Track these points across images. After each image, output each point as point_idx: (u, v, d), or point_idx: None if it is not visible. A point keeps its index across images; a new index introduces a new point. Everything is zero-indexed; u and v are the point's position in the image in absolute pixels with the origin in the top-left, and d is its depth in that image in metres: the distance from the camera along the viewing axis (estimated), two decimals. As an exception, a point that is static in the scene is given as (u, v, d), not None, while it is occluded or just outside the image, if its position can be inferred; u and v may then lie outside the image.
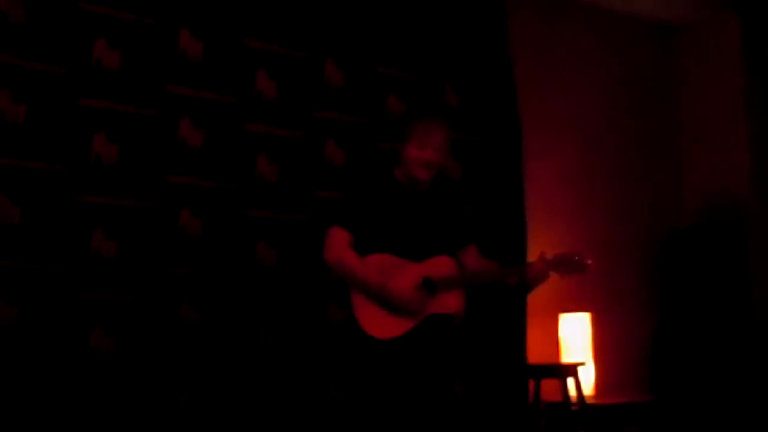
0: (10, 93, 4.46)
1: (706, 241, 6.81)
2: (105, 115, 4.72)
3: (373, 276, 3.91)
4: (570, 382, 5.82)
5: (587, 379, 6.11)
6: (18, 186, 4.45)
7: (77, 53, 4.67)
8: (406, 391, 3.96)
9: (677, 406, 6.40)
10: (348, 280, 3.98)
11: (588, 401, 5.92)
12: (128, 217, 4.74)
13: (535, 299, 6.05)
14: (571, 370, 5.86)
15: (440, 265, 4.05)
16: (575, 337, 6.17)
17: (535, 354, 6.08)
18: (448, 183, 4.62)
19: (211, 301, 4.93)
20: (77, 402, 4.49)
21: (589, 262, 4.08)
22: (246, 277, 5.05)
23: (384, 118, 5.63)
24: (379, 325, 3.93)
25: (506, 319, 5.95)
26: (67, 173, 4.59)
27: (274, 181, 5.21)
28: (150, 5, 4.90)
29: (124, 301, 4.69)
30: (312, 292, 5.19)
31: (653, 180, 7.17)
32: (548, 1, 6.64)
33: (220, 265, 4.99)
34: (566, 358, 6.13)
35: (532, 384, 5.90)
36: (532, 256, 5.38)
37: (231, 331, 4.96)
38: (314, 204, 5.28)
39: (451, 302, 4.05)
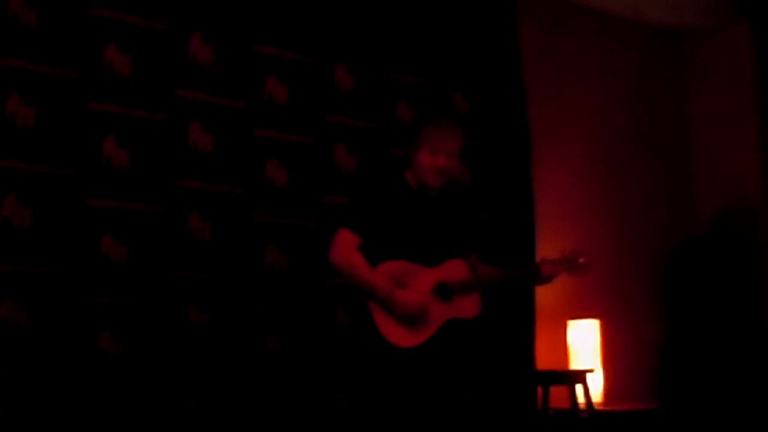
0: (21, 97, 4.47)
1: (717, 250, 6.79)
2: (115, 119, 4.73)
3: (381, 282, 3.85)
4: (578, 389, 5.81)
5: (596, 386, 6.10)
6: (28, 190, 4.46)
7: (88, 58, 4.68)
8: (432, 398, 3.91)
9: (686, 414, 6.38)
10: (354, 284, 3.93)
11: (596, 408, 5.90)
12: (138, 222, 4.75)
13: (544, 306, 6.05)
14: (580, 376, 5.85)
15: (454, 270, 4.02)
16: (584, 343, 6.16)
17: (543, 361, 6.07)
18: (458, 188, 4.60)
19: (220, 305, 4.93)
20: (86, 405, 4.50)
21: (582, 260, 4.12)
22: (255, 282, 5.05)
23: (394, 123, 5.63)
24: (400, 332, 3.86)
25: (515, 326, 5.94)
26: (78, 177, 4.60)
27: (284, 186, 5.22)
28: (161, 10, 4.92)
29: (133, 305, 4.69)
30: (321, 298, 5.19)
31: (663, 188, 7.16)
32: (558, 8, 6.64)
33: (229, 270, 4.99)
34: (575, 364, 6.12)
35: (540, 391, 5.89)
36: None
37: (240, 336, 4.97)
38: (323, 209, 5.28)
39: (468, 306, 4.02)
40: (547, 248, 5.94)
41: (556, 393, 5.90)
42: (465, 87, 6.00)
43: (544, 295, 5.91)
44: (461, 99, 5.98)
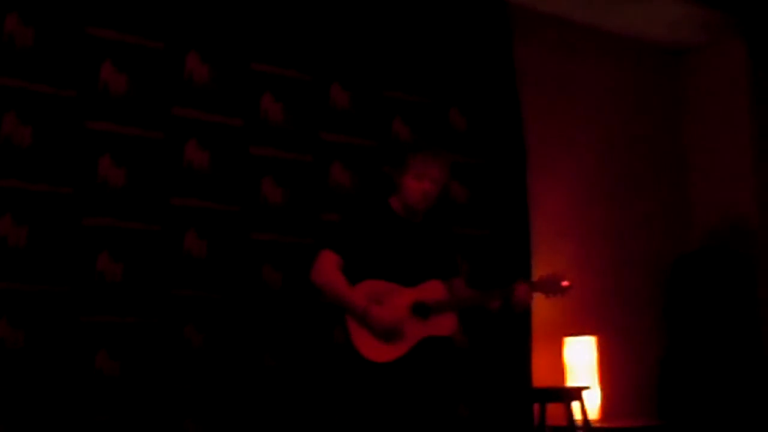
0: (17, 116, 4.48)
1: (714, 266, 6.80)
2: (111, 138, 4.73)
3: (357, 299, 4.02)
4: (575, 406, 5.80)
5: (592, 403, 6.09)
6: (24, 208, 4.46)
7: (84, 76, 4.69)
8: (405, 414, 4.02)
9: (683, 431, 6.38)
10: (334, 301, 4.11)
11: (593, 425, 5.89)
12: (134, 240, 4.75)
13: (541, 323, 6.05)
14: (576, 393, 5.84)
15: (432, 290, 4.17)
16: (581, 360, 6.15)
17: (540, 378, 6.06)
18: (443, 215, 4.69)
19: (217, 324, 4.93)
20: (82, 425, 4.48)
21: (565, 284, 4.20)
22: (251, 300, 5.05)
23: (390, 141, 5.64)
24: (376, 348, 4.01)
25: (511, 343, 5.93)
26: (74, 196, 4.60)
27: (280, 203, 5.22)
28: (157, 29, 4.93)
29: (129, 324, 4.69)
30: (317, 316, 5.19)
31: (660, 204, 7.16)
32: (554, 25, 6.65)
33: (226, 288, 4.99)
34: (571, 381, 6.11)
35: (537, 408, 5.88)
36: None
37: (236, 355, 4.96)
38: (320, 227, 5.28)
39: (445, 324, 4.16)
40: (543, 265, 5.95)
41: (553, 410, 5.88)
42: (461, 104, 6.01)
43: (541, 311, 5.91)
44: (458, 115, 5.99)
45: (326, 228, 5.11)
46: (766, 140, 6.77)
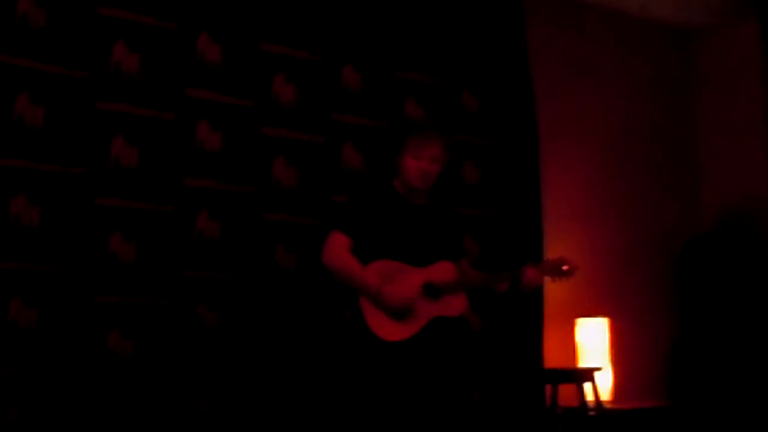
0: (30, 97, 4.47)
1: (726, 248, 6.78)
2: (124, 118, 4.73)
3: (370, 278, 4.04)
4: (587, 387, 5.81)
5: (604, 385, 6.10)
6: (37, 189, 4.46)
7: (96, 57, 4.68)
8: (415, 393, 4.06)
9: (695, 413, 6.37)
10: (346, 282, 4.13)
11: (605, 406, 5.90)
12: (146, 221, 4.76)
13: (553, 304, 6.05)
14: (588, 375, 5.85)
15: (442, 270, 4.20)
16: (592, 342, 6.15)
17: (552, 359, 6.07)
18: (446, 196, 4.72)
19: (229, 304, 4.94)
20: (95, 405, 4.50)
21: (565, 267, 4.25)
22: (263, 281, 5.06)
23: (402, 121, 5.63)
24: (388, 327, 4.05)
25: (523, 324, 5.94)
26: (86, 176, 4.60)
27: (292, 184, 5.22)
28: (169, 9, 4.92)
29: (142, 304, 4.70)
30: (330, 297, 5.19)
31: (672, 185, 7.15)
32: (566, 6, 6.63)
33: (238, 269, 5.00)
34: (583, 363, 6.11)
35: (549, 389, 5.89)
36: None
37: (248, 335, 4.97)
38: (331, 208, 5.28)
39: (455, 305, 4.21)
40: (555, 247, 5.96)
41: (565, 391, 5.89)
42: (473, 85, 6.00)
43: (553, 293, 5.91)
44: (470, 96, 5.98)
45: (334, 209, 5.11)
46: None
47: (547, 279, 4.33)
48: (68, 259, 4.52)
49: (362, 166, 5.46)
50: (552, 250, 5.84)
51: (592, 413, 5.79)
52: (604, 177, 6.71)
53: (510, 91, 6.14)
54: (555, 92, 6.43)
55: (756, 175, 6.84)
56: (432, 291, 4.13)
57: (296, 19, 5.34)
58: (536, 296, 5.93)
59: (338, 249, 4.12)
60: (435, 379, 4.12)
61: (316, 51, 5.39)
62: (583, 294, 6.21)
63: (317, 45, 5.39)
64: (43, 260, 4.45)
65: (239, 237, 5.03)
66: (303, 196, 5.25)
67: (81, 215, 4.58)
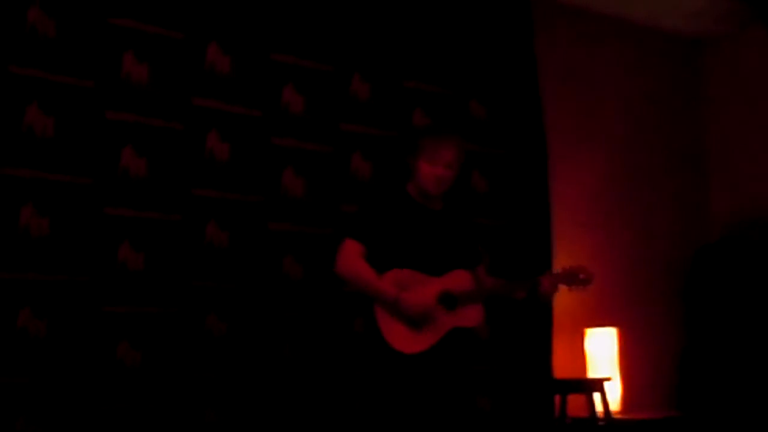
0: (39, 107, 4.49)
1: (735, 257, 6.77)
2: (133, 128, 4.74)
3: (387, 288, 3.96)
4: (596, 397, 5.79)
5: (613, 395, 6.08)
6: (47, 199, 4.47)
7: (106, 67, 4.70)
8: (433, 405, 4.00)
9: (704, 423, 6.35)
10: (362, 291, 4.05)
11: (614, 417, 5.88)
12: (155, 230, 4.76)
13: (562, 314, 6.04)
14: (598, 385, 5.83)
15: (458, 279, 4.13)
16: (602, 352, 6.14)
17: (561, 369, 6.05)
18: (462, 201, 4.65)
19: (238, 314, 4.94)
20: (104, 415, 4.50)
21: (582, 276, 4.23)
22: (272, 291, 5.05)
23: (410, 131, 5.63)
24: (404, 339, 3.96)
25: (532, 334, 5.93)
26: (95, 186, 4.61)
27: (301, 194, 5.22)
28: (178, 19, 4.93)
29: (150, 314, 4.70)
30: (338, 307, 5.19)
31: (681, 194, 7.13)
32: (575, 15, 6.62)
33: (247, 279, 5.00)
34: (592, 373, 6.10)
35: (558, 399, 5.88)
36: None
37: (257, 345, 4.97)
38: (340, 218, 5.28)
39: (472, 315, 4.13)
40: (564, 257, 5.94)
41: (574, 401, 5.88)
42: (481, 95, 6.00)
43: (562, 303, 5.89)
44: (478, 106, 5.97)
45: (347, 217, 5.11)
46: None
47: (561, 287, 4.29)
48: (77, 268, 4.53)
49: (370, 175, 5.46)
50: (561, 260, 5.82)
51: (601, 424, 5.77)
52: (613, 186, 6.70)
53: (518, 100, 6.14)
54: (563, 101, 6.43)
55: (764, 185, 6.83)
56: (449, 300, 4.06)
57: (305, 29, 5.34)
58: (546, 306, 5.93)
59: (352, 257, 4.04)
60: (453, 391, 4.08)
61: (325, 61, 5.39)
62: (592, 304, 6.19)
63: (326, 55, 5.40)
64: (52, 270, 4.46)
65: (248, 247, 5.02)
66: (311, 206, 5.25)
67: (90, 225, 4.58)
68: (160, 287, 4.75)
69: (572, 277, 4.22)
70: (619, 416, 5.99)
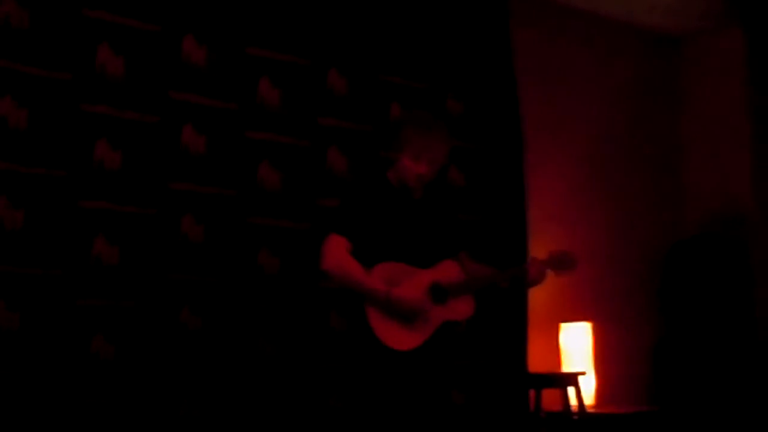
0: (13, 98, 4.45)
1: (709, 252, 6.81)
2: (108, 121, 4.71)
3: (377, 284, 3.84)
4: (571, 391, 5.81)
5: (588, 389, 6.10)
6: (20, 191, 4.44)
7: (81, 59, 4.67)
8: (429, 401, 3.93)
9: (678, 417, 6.39)
10: (350, 288, 3.90)
11: (589, 411, 5.91)
12: (130, 224, 4.74)
13: (537, 309, 6.05)
14: (572, 379, 5.85)
15: (448, 271, 4.02)
16: (576, 346, 6.16)
17: (535, 363, 6.07)
18: (443, 189, 4.55)
19: (213, 308, 4.93)
20: (78, 408, 4.48)
21: (568, 259, 4.14)
22: (248, 285, 5.05)
23: (387, 125, 5.63)
24: (396, 335, 3.84)
25: (507, 328, 5.94)
26: (70, 179, 4.58)
27: (277, 188, 5.21)
28: (154, 12, 4.91)
29: (125, 308, 4.68)
30: (314, 301, 5.19)
31: (656, 190, 7.17)
32: (552, 11, 6.64)
33: (222, 272, 4.99)
34: (567, 367, 6.12)
35: (532, 393, 5.89)
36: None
37: (232, 339, 4.96)
38: (316, 212, 5.28)
39: (463, 308, 4.03)
40: (539, 251, 5.90)
41: (549, 396, 5.90)
42: (457, 89, 6.00)
43: (537, 298, 5.92)
44: (454, 101, 5.98)
45: (329, 212, 5.07)
46: (762, 127, 6.76)
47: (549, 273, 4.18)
48: (51, 262, 4.50)
49: (347, 169, 5.46)
50: (536, 254, 5.82)
51: (575, 418, 5.79)
52: (588, 181, 6.72)
53: (494, 95, 6.15)
54: (540, 97, 6.44)
55: (739, 181, 6.87)
56: (439, 293, 3.95)
57: (282, 23, 5.33)
58: (520, 300, 5.95)
59: (338, 253, 3.87)
60: (442, 386, 4.00)
61: (302, 55, 5.38)
62: (567, 298, 6.22)
63: (303, 49, 5.39)
64: (26, 263, 4.43)
65: (223, 240, 5.01)
66: (287, 200, 5.24)
67: (64, 218, 4.56)
68: (135, 281, 4.73)
69: (559, 262, 4.12)
70: (593, 410, 6.02)
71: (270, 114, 5.24)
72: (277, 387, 5.05)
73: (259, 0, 5.26)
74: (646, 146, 7.15)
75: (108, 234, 4.67)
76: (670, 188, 7.27)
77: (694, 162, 7.28)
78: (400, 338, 3.84)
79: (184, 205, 4.91)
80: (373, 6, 5.70)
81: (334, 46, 5.51)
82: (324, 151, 5.40)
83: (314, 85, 5.41)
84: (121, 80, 4.78)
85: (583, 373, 5.93)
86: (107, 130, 4.71)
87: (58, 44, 4.61)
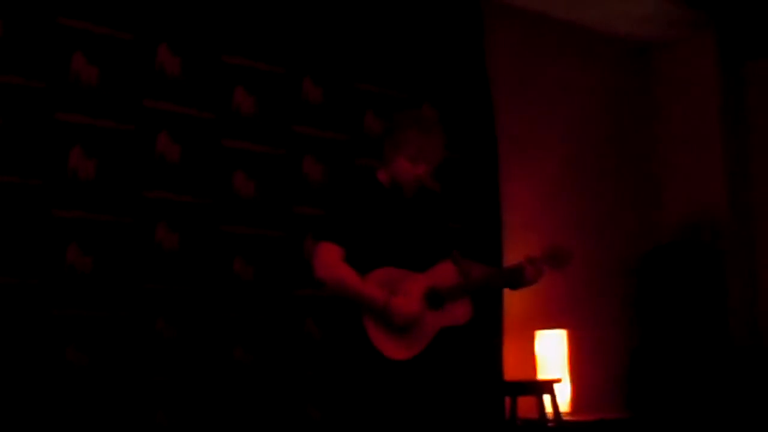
0: (-14, 107, 4.45)
1: (684, 260, 6.84)
2: (82, 129, 4.70)
3: (375, 291, 3.73)
4: (546, 399, 5.82)
5: (563, 396, 6.12)
6: (-6, 200, 4.42)
7: (55, 67, 4.65)
8: (428, 410, 3.87)
9: (653, 424, 6.41)
10: (346, 296, 3.78)
11: (564, 418, 5.92)
12: (104, 233, 4.72)
13: (512, 316, 6.06)
14: (548, 387, 5.86)
15: (444, 274, 3.91)
16: (551, 354, 6.17)
17: (511, 371, 6.08)
18: (432, 190, 4.46)
19: (188, 316, 4.91)
20: (53, 418, 4.46)
21: (563, 253, 4.05)
22: (223, 293, 5.04)
23: (362, 134, 5.64)
24: (393, 344, 3.76)
25: (483, 336, 5.94)
26: (43, 188, 4.56)
27: (252, 196, 5.21)
28: (128, 20, 4.90)
29: (99, 317, 4.66)
30: (289, 309, 5.19)
31: (630, 198, 7.20)
32: (526, 19, 6.66)
33: (197, 281, 4.98)
34: (542, 375, 6.13)
35: (508, 401, 5.90)
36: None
37: (207, 347, 4.94)
38: (292, 220, 5.28)
39: (460, 312, 3.94)
40: (514, 259, 5.93)
41: (524, 403, 5.91)
42: (433, 98, 6.02)
43: (512, 305, 5.93)
44: (429, 109, 5.99)
45: (311, 221, 5.08)
46: (735, 135, 6.82)
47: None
48: (25, 271, 4.48)
49: (322, 178, 5.46)
50: (511, 261, 5.84)
51: (551, 425, 5.80)
52: (563, 189, 6.74)
53: (469, 104, 6.17)
54: (514, 105, 6.46)
55: (713, 188, 6.91)
56: (436, 299, 3.85)
57: (257, 31, 5.33)
58: (495, 308, 5.95)
59: (332, 261, 3.74)
60: (447, 394, 3.93)
61: (277, 63, 5.38)
62: (542, 306, 6.23)
63: (278, 57, 5.39)
64: (1, 272, 4.40)
65: (198, 249, 5.00)
66: (263, 208, 5.24)
67: (38, 227, 4.53)
68: (110, 290, 4.71)
69: (554, 257, 4.01)
70: (569, 418, 6.03)
71: (245, 122, 5.24)
72: (252, 395, 5.03)
73: (234, 8, 5.26)
74: (621, 154, 7.19)
75: (82, 243, 4.65)
76: (646, 195, 7.31)
77: (668, 169, 7.31)
78: (397, 347, 3.76)
79: (158, 213, 4.90)
80: (348, 14, 5.71)
81: (309, 54, 5.52)
82: (300, 159, 5.40)
83: (289, 93, 5.41)
84: (96, 88, 4.76)
85: (558, 381, 5.94)
86: (82, 138, 4.69)
87: (32, 52, 4.59)
